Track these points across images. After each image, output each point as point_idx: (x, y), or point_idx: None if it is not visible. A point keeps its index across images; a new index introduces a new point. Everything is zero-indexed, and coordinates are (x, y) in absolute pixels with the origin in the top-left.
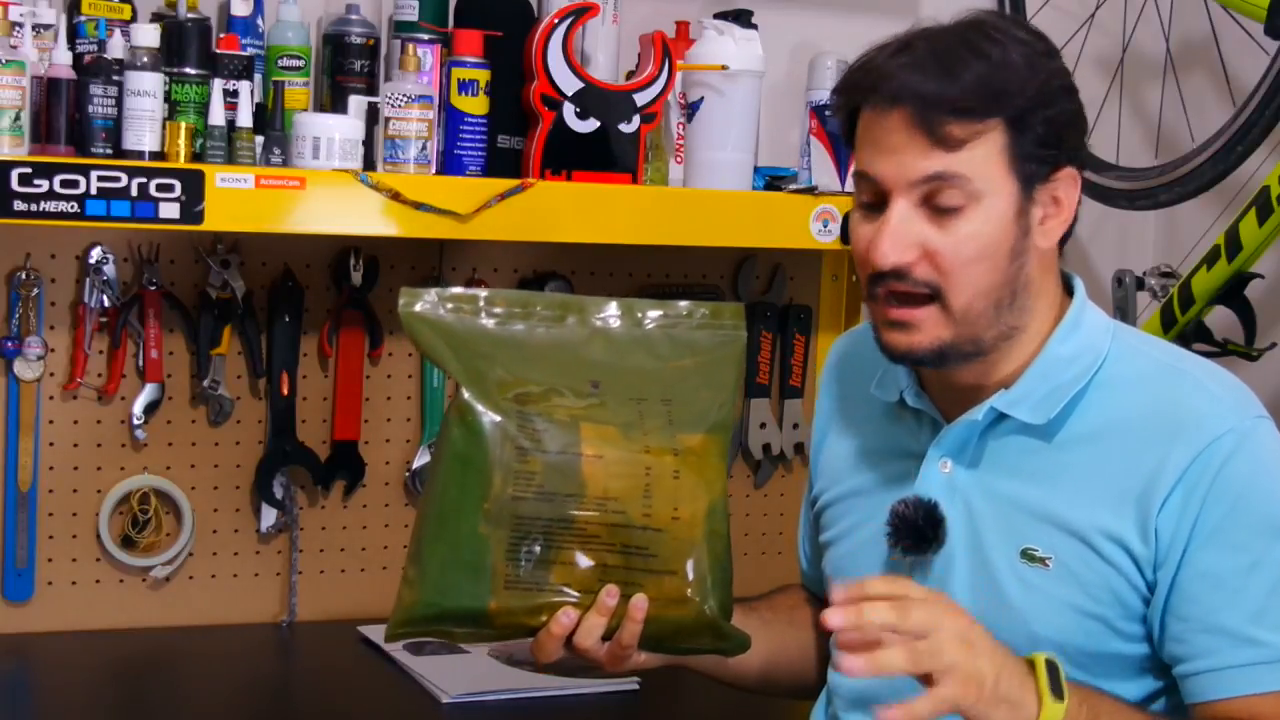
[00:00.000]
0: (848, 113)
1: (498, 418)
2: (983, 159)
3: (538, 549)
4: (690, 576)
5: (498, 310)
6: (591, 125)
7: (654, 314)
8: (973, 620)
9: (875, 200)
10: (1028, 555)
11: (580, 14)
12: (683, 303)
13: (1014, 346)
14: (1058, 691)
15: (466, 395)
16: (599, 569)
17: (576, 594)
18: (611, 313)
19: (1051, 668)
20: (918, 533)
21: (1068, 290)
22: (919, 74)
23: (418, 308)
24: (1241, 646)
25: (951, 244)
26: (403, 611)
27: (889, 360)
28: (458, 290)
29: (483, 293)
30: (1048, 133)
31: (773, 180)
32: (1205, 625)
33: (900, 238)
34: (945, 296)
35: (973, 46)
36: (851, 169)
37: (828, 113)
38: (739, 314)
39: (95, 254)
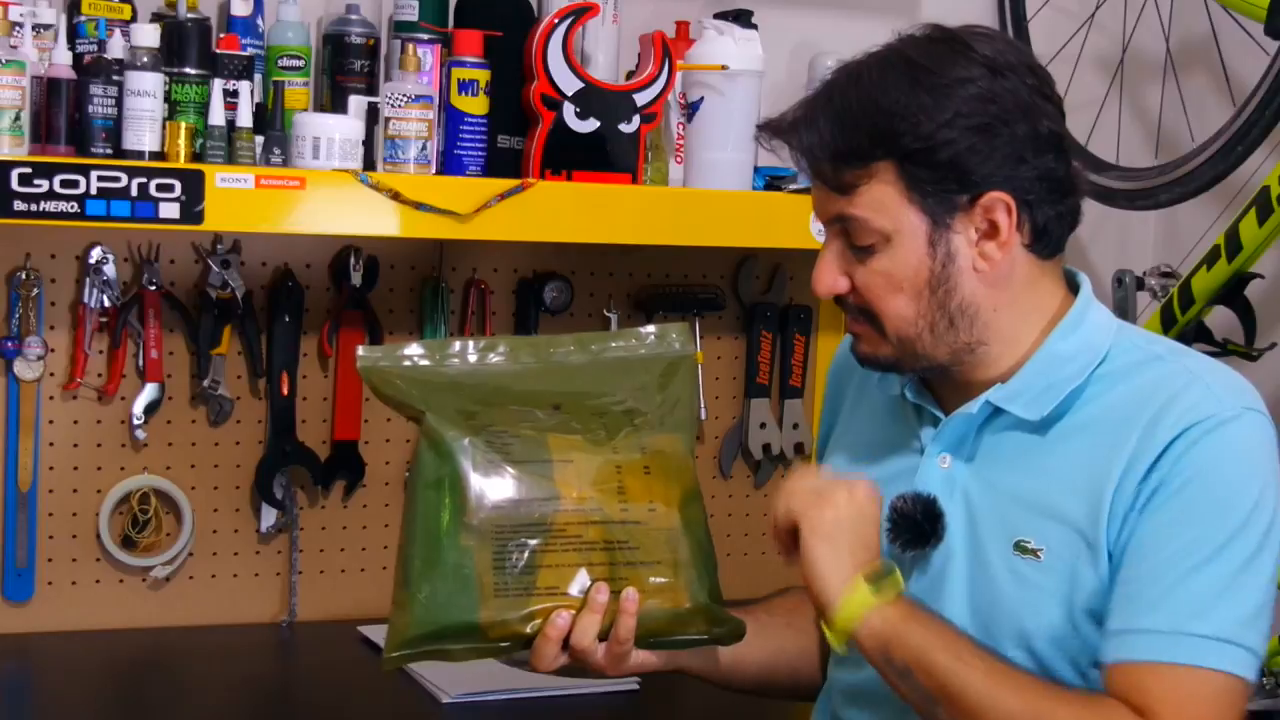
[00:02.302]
0: None
1: (465, 438)
2: (878, 199)
3: (523, 556)
4: (675, 565)
5: (453, 358)
6: (591, 125)
7: (606, 344)
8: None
9: None
10: (1020, 547)
11: (580, 14)
12: (630, 330)
13: (998, 350)
14: (873, 581)
15: (432, 421)
16: (585, 569)
17: (566, 596)
18: (565, 347)
19: (888, 569)
20: (917, 528)
21: (1074, 288)
22: (802, 127)
23: (375, 362)
24: (1148, 613)
25: (866, 278)
26: (396, 635)
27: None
28: (412, 344)
29: (435, 342)
30: (950, 167)
31: (773, 180)
32: (1127, 589)
33: (827, 271)
34: (877, 321)
35: (858, 90)
36: None
37: None
38: (685, 331)
39: (95, 254)
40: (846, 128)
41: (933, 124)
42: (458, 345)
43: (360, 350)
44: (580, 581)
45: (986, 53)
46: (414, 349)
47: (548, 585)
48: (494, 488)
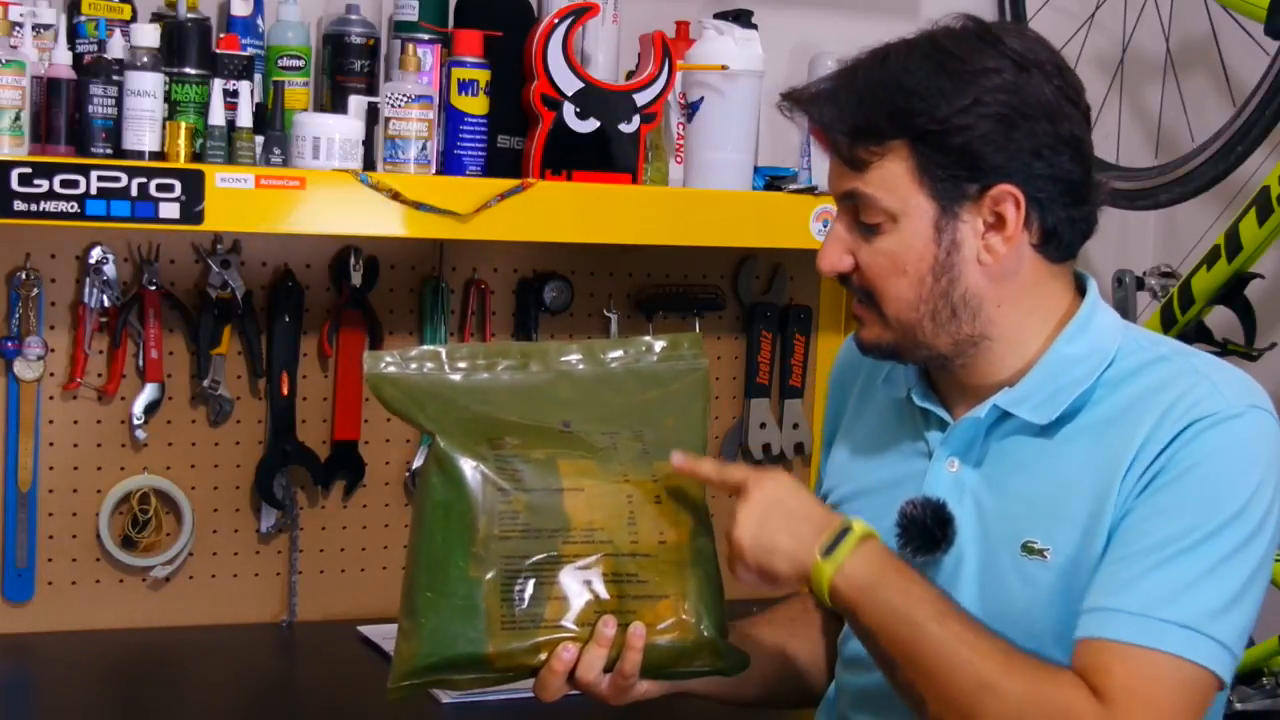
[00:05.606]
0: None
1: (475, 462)
2: (890, 179)
3: (530, 587)
4: (683, 598)
5: (461, 364)
6: (591, 125)
7: (615, 353)
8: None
9: None
10: (1027, 548)
11: (580, 14)
12: (641, 338)
13: (1003, 349)
14: (829, 552)
15: (442, 444)
16: (593, 601)
17: (573, 628)
18: (573, 356)
19: (842, 531)
20: (926, 533)
21: (1082, 290)
22: (823, 100)
23: (382, 369)
24: (1120, 592)
25: (870, 257)
26: (402, 664)
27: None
28: (419, 349)
29: (444, 349)
30: (962, 153)
31: (773, 180)
32: (1109, 568)
33: (832, 247)
34: (877, 303)
35: (883, 69)
36: None
37: None
38: (697, 343)
39: (95, 254)
40: (866, 104)
41: (950, 108)
42: (465, 351)
43: (366, 357)
44: (587, 613)
45: (1016, 47)
46: (422, 355)
47: (555, 617)
48: (503, 518)
